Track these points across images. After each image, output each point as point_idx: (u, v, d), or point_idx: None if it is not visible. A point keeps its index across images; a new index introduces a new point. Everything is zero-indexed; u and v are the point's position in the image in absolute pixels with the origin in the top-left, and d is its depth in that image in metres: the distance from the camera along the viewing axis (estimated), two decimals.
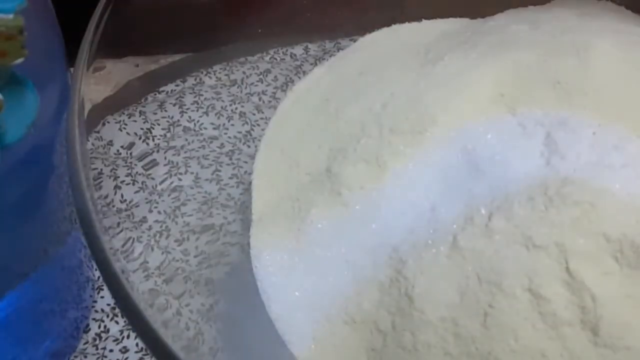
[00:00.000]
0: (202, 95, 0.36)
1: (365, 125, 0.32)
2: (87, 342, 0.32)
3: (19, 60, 0.22)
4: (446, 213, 0.28)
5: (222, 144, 0.35)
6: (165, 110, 0.35)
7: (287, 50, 0.40)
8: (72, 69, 0.26)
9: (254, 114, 0.37)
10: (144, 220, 0.29)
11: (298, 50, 0.41)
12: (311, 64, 0.40)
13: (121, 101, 0.32)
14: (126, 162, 0.31)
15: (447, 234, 0.27)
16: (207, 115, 0.36)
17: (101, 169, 0.28)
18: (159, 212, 0.30)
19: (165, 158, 0.32)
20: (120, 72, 0.31)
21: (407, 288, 0.27)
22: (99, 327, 0.32)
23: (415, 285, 0.27)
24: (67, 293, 0.31)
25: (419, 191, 0.29)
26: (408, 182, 0.29)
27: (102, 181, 0.27)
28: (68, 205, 0.28)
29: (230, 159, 0.35)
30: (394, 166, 0.30)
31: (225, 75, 0.37)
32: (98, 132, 0.28)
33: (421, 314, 0.27)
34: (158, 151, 0.32)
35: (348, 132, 0.32)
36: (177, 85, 0.36)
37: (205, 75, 0.37)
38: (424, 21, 0.39)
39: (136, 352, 0.32)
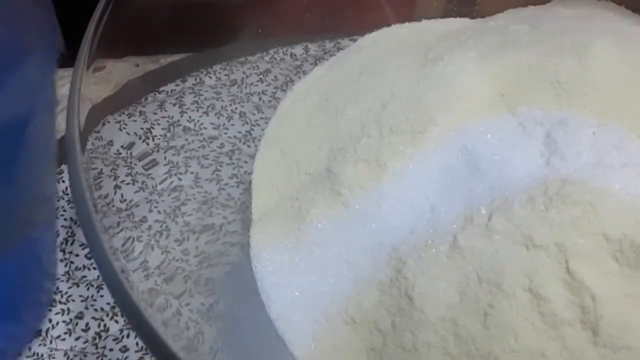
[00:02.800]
0: (202, 95, 0.36)
1: (365, 125, 0.32)
2: (86, 342, 0.32)
3: None
4: (446, 213, 0.28)
5: (222, 143, 0.35)
6: (165, 110, 0.35)
7: (287, 50, 0.40)
8: (72, 69, 0.26)
9: (254, 114, 0.37)
10: (144, 219, 0.29)
11: (298, 50, 0.41)
12: (311, 64, 0.40)
13: (121, 101, 0.32)
14: (126, 162, 0.31)
15: (447, 234, 0.27)
16: (207, 115, 0.36)
17: (101, 169, 0.28)
18: (159, 212, 0.30)
19: (165, 158, 0.32)
20: (120, 72, 0.31)
21: (407, 288, 0.27)
22: (99, 326, 0.32)
23: (415, 285, 0.27)
24: (28, 277, 0.31)
25: (418, 191, 0.29)
26: (408, 182, 0.29)
27: (102, 181, 0.27)
28: (35, 194, 0.28)
29: (230, 158, 0.35)
30: (394, 166, 0.30)
31: (225, 75, 0.37)
32: (98, 132, 0.28)
33: (421, 314, 0.27)
34: (158, 151, 0.32)
35: (348, 132, 0.32)
36: (177, 85, 0.36)
37: (205, 75, 0.37)
38: (424, 21, 0.39)
39: (136, 351, 0.32)
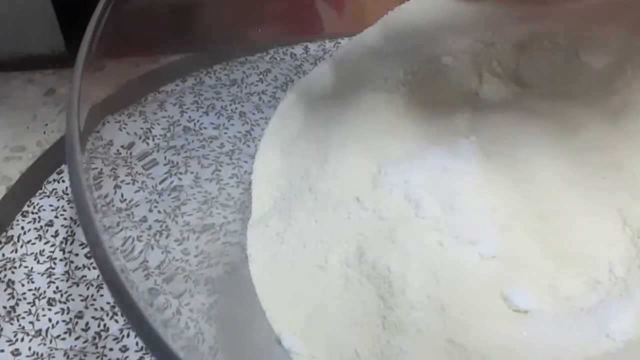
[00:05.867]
0: (202, 95, 0.36)
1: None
2: (86, 341, 0.32)
3: None
4: None
5: (222, 143, 0.35)
6: (165, 110, 0.35)
7: (287, 50, 0.41)
8: (72, 69, 0.26)
9: (254, 114, 0.37)
10: (144, 219, 0.29)
11: (298, 50, 0.41)
12: (311, 64, 0.40)
13: (121, 101, 0.32)
14: (126, 162, 0.31)
15: None
16: (207, 115, 0.36)
17: (101, 169, 0.28)
18: (159, 212, 0.30)
19: (165, 158, 0.32)
20: (120, 72, 0.31)
21: (386, 276, 0.28)
22: (99, 325, 0.32)
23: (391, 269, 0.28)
24: None
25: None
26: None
27: (102, 181, 0.27)
28: None
29: (230, 158, 0.35)
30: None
31: (225, 75, 0.37)
32: (98, 132, 0.28)
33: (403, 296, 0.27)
34: (158, 151, 0.32)
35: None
36: (177, 85, 0.36)
37: (205, 75, 0.37)
38: None
39: (136, 351, 0.32)
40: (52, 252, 0.35)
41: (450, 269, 0.28)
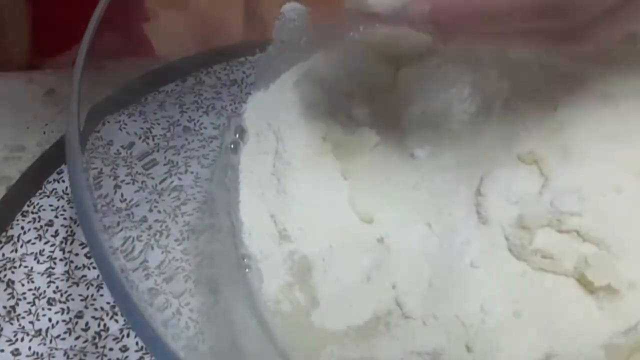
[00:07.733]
0: (202, 95, 0.36)
1: None
2: (86, 341, 0.32)
3: None
4: None
5: (222, 143, 0.35)
6: (165, 110, 0.35)
7: None
8: (72, 69, 0.26)
9: None
10: (144, 219, 0.29)
11: None
12: None
13: (121, 101, 0.32)
14: (126, 162, 0.31)
15: None
16: (207, 114, 0.36)
17: (101, 169, 0.28)
18: (159, 212, 0.30)
19: (165, 157, 0.32)
20: (120, 72, 0.31)
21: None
22: (99, 325, 0.32)
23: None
24: None
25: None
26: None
27: (102, 181, 0.27)
28: None
29: None
30: None
31: (225, 75, 0.37)
32: (98, 132, 0.28)
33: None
34: (158, 150, 0.32)
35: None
36: (177, 85, 0.36)
37: (205, 75, 0.37)
38: None
39: (136, 350, 0.32)
40: (52, 252, 0.35)
41: (443, 278, 0.28)
